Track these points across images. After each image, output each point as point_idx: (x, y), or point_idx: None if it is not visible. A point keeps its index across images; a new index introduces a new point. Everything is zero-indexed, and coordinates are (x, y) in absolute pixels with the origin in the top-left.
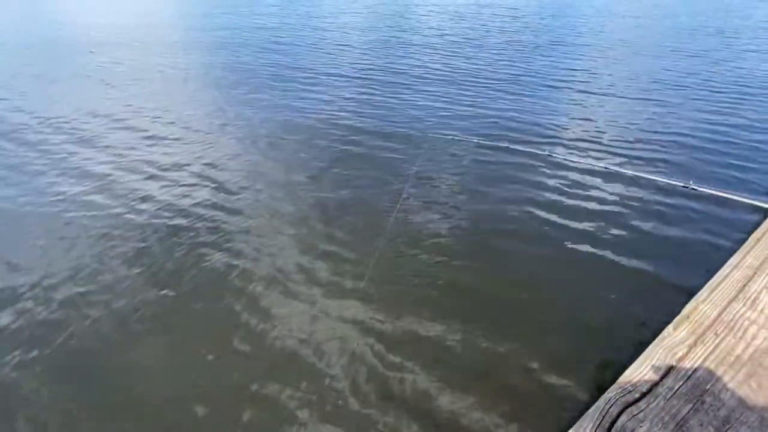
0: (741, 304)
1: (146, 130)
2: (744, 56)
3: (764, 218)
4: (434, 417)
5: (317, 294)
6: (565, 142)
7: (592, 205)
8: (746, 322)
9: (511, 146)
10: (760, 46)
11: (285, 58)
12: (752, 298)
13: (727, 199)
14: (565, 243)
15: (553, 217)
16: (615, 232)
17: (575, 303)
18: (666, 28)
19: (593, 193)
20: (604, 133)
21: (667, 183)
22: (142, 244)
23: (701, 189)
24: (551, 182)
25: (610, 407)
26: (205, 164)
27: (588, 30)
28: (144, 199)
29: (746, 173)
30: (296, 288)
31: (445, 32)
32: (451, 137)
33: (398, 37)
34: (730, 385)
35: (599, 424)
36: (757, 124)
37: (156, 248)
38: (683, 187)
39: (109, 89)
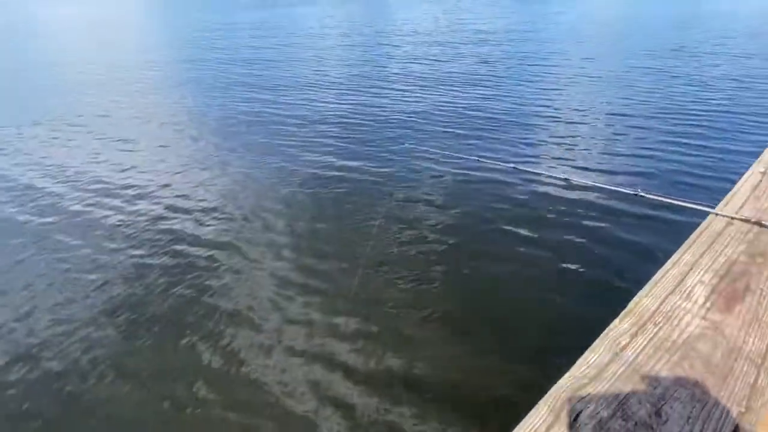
0: (678, 297)
1: (116, 164)
2: (692, 74)
3: (702, 220)
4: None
5: (292, 330)
6: (529, 155)
7: (552, 214)
8: (682, 312)
9: (480, 161)
10: (708, 62)
11: (257, 87)
12: (687, 291)
13: (672, 203)
14: (527, 250)
15: (517, 227)
16: (572, 238)
17: (536, 305)
18: (622, 47)
19: (553, 202)
20: (565, 146)
21: (619, 191)
22: (108, 279)
23: (649, 196)
24: (515, 193)
25: (562, 393)
26: (177, 195)
27: (551, 53)
28: (111, 233)
29: (689, 180)
30: (269, 325)
31: (418, 56)
32: (426, 156)
33: (371, 61)
34: (666, 367)
35: (552, 407)
36: (700, 139)
37: (120, 283)
38: (633, 194)
39: (80, 128)
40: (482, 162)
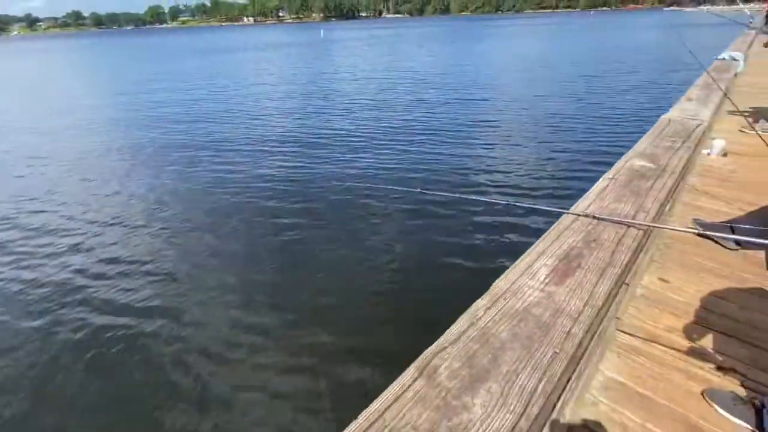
0: (526, 277)
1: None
2: (567, 106)
3: (558, 219)
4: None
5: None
6: (441, 179)
7: (435, 223)
8: (527, 288)
9: (423, 190)
10: (582, 94)
11: (198, 132)
12: (534, 272)
13: (538, 208)
14: (425, 253)
15: (426, 238)
16: (457, 241)
17: (428, 302)
18: (524, 81)
19: (435, 215)
20: (454, 170)
21: (484, 200)
22: (42, 327)
23: (519, 204)
24: (430, 213)
25: (428, 355)
26: (111, 244)
27: (481, 88)
28: (13, 299)
29: (553, 189)
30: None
31: (360, 97)
32: (368, 188)
33: (315, 104)
34: (507, 328)
35: (418, 366)
36: (564, 156)
37: (59, 334)
38: (506, 204)
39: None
40: (426, 191)
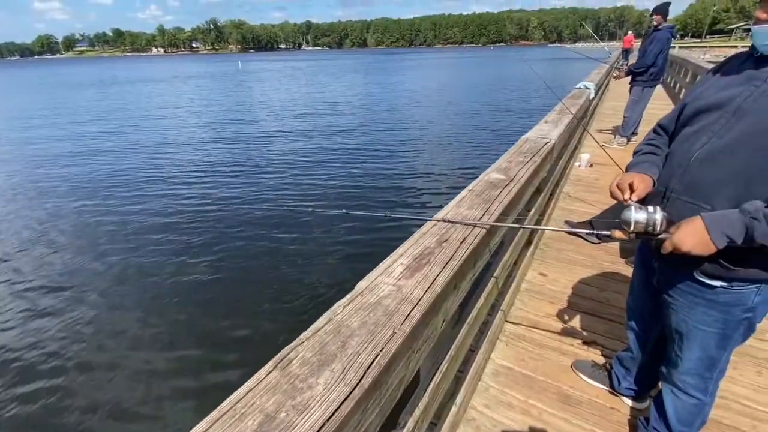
0: (383, 276)
1: None
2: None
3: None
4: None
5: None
6: (331, 198)
7: (315, 237)
8: (383, 284)
9: (349, 211)
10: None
11: (111, 167)
12: (391, 271)
13: (410, 218)
14: (312, 267)
15: (313, 252)
16: (348, 253)
17: (295, 305)
18: (430, 107)
19: (329, 232)
20: (337, 188)
21: (374, 215)
22: None
23: (395, 216)
24: (320, 229)
25: (285, 351)
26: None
27: (380, 116)
28: None
29: (424, 201)
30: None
31: (262, 128)
32: (263, 209)
33: (221, 136)
34: (359, 318)
35: (275, 361)
36: (434, 172)
37: None
38: (384, 216)
39: None
40: (352, 212)
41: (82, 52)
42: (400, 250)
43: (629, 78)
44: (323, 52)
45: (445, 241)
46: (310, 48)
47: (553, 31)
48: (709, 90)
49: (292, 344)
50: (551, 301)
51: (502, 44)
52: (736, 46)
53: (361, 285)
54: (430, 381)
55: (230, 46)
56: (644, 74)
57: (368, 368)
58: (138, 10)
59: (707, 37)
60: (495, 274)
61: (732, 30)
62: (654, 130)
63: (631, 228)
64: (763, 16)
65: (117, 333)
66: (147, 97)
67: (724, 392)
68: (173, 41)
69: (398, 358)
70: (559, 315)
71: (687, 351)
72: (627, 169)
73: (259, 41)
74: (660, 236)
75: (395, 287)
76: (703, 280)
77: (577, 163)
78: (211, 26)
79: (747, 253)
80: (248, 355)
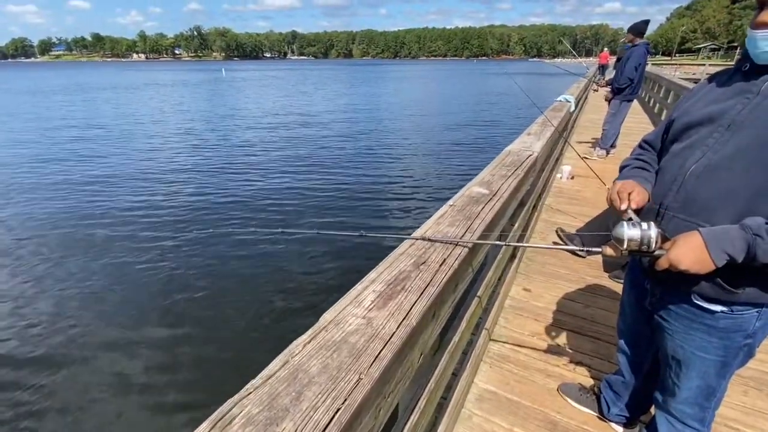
0: (352, 306)
1: None
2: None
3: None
4: None
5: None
6: (303, 218)
7: (298, 262)
8: (350, 317)
9: (321, 231)
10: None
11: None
12: (361, 300)
13: (387, 236)
14: (278, 294)
15: (281, 277)
16: (318, 278)
17: (254, 340)
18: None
19: (288, 252)
20: (307, 208)
21: (347, 234)
22: None
23: (370, 234)
24: (290, 252)
25: (227, 405)
26: None
27: (359, 129)
28: None
29: (400, 218)
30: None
31: (251, 142)
32: (229, 232)
33: (202, 146)
34: (319, 361)
35: (212, 420)
36: (409, 190)
37: None
38: (359, 235)
39: None
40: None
41: (58, 56)
42: (372, 274)
43: (608, 91)
44: (308, 62)
45: (423, 263)
46: (296, 57)
47: (533, 46)
48: (697, 104)
49: (237, 396)
50: (536, 318)
51: (484, 58)
52: (703, 64)
53: (326, 317)
54: (410, 416)
55: (214, 54)
56: (626, 89)
57: (325, 428)
58: (118, 16)
59: (677, 55)
60: (478, 294)
61: (699, 49)
62: (640, 146)
63: (624, 246)
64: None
65: (54, 366)
66: (119, 106)
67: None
68: (155, 47)
69: (365, 409)
70: (544, 333)
71: (685, 379)
72: (619, 179)
73: (244, 49)
74: (655, 253)
75: (365, 320)
76: (701, 304)
77: (558, 175)
78: (195, 33)
79: (747, 274)
80: (193, 403)
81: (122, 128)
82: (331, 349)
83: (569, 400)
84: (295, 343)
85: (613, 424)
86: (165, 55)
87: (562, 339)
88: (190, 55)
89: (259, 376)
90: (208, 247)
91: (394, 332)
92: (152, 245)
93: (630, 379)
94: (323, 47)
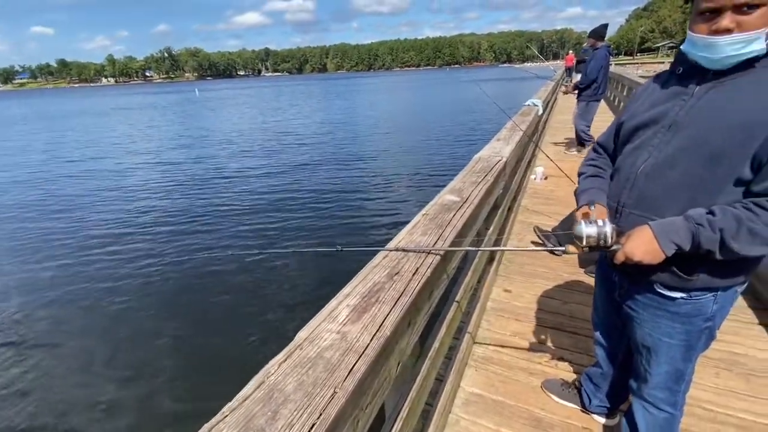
0: (327, 322)
1: None
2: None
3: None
4: None
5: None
6: (279, 236)
7: (265, 277)
8: (325, 332)
9: (298, 249)
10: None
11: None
12: (335, 315)
13: (364, 250)
14: (254, 315)
15: (257, 298)
16: (294, 296)
17: (233, 363)
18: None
19: (265, 270)
20: (284, 226)
21: (325, 250)
22: None
23: (347, 249)
24: (265, 272)
25: (203, 429)
26: None
27: (333, 145)
28: None
29: (375, 232)
30: None
31: (224, 164)
32: (206, 258)
33: (174, 170)
34: (294, 379)
35: None
36: (385, 202)
37: None
38: (335, 251)
39: None
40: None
41: (23, 84)
42: (346, 288)
43: (577, 93)
44: (283, 78)
45: (397, 273)
46: (270, 74)
47: (503, 52)
48: (642, 107)
49: (214, 419)
50: (517, 318)
51: (456, 66)
52: (663, 62)
53: (301, 335)
54: (393, 425)
55: (186, 75)
56: (588, 90)
57: None
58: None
59: (638, 54)
60: (457, 299)
61: (658, 48)
62: (594, 149)
63: (584, 242)
64: (702, 29)
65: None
66: (86, 132)
67: (687, 398)
68: (125, 71)
69: (341, 422)
70: (526, 332)
71: (655, 365)
72: (579, 195)
73: (217, 68)
74: (612, 248)
75: (339, 335)
76: (663, 292)
77: (532, 177)
78: (166, 54)
79: (699, 262)
80: (170, 428)
81: (87, 155)
82: (306, 366)
83: (552, 395)
84: (270, 363)
85: (594, 416)
86: (136, 78)
87: (543, 336)
88: (162, 76)
89: (236, 398)
90: (185, 271)
91: (368, 344)
92: (125, 271)
93: (608, 369)
94: (297, 63)
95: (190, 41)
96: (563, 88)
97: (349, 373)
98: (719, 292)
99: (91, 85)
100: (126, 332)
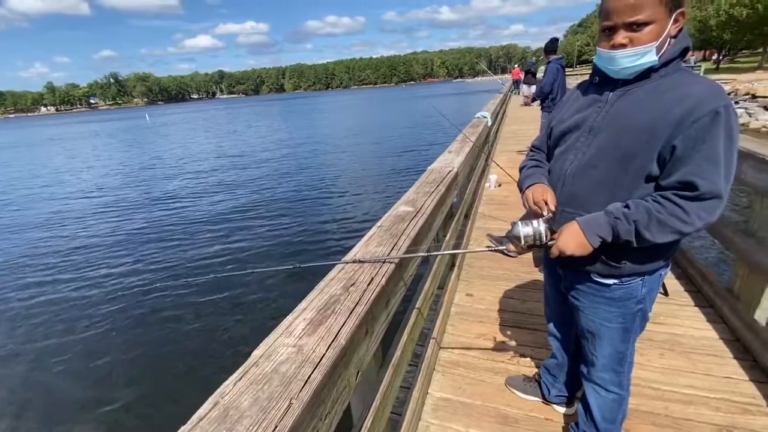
0: (283, 337)
1: None
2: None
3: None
4: None
5: None
6: (238, 257)
7: (223, 297)
8: (281, 347)
9: (255, 269)
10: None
11: None
12: (292, 330)
13: (322, 265)
14: (212, 340)
15: (217, 321)
16: (239, 319)
17: (190, 386)
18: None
19: (234, 292)
20: (236, 246)
21: (282, 268)
22: None
23: (304, 265)
24: (227, 294)
25: None
26: None
27: (300, 162)
28: None
29: (335, 246)
30: None
31: (174, 189)
32: (157, 286)
33: (120, 199)
34: (250, 395)
35: None
36: (341, 217)
37: None
38: (293, 267)
39: None
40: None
41: None
42: (303, 303)
43: (530, 103)
44: (240, 100)
45: (353, 284)
46: (225, 96)
47: (455, 68)
48: (567, 113)
49: None
50: (480, 320)
51: (412, 82)
52: None
53: (256, 353)
54: None
55: (135, 100)
56: (547, 101)
57: None
58: (19, 69)
59: (577, 66)
60: (417, 305)
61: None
62: (531, 149)
63: (522, 242)
64: (604, 45)
65: None
66: (17, 167)
67: (635, 379)
68: (67, 98)
69: (299, 431)
70: (489, 333)
71: (600, 348)
72: (523, 181)
73: (169, 93)
74: (548, 244)
75: (295, 348)
76: (599, 280)
77: (487, 185)
78: (112, 80)
79: (624, 251)
80: None
81: (19, 192)
82: (262, 382)
83: (516, 391)
84: (225, 382)
85: (555, 406)
86: (79, 106)
87: (505, 336)
88: (108, 103)
89: (190, 420)
90: (139, 302)
91: (324, 354)
92: (75, 303)
93: (562, 360)
94: (253, 84)
95: (138, 66)
96: (523, 101)
97: (305, 384)
98: (646, 276)
99: (29, 114)
100: (79, 362)
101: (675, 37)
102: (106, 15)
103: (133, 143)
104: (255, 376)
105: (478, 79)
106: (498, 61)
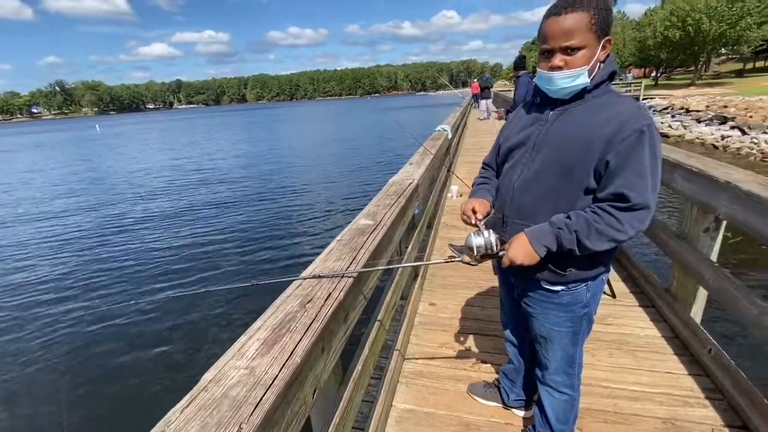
0: (235, 359)
1: None
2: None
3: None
4: None
5: None
6: (196, 276)
7: (171, 319)
8: (232, 370)
9: (210, 288)
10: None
11: None
12: (244, 351)
13: (279, 282)
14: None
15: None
16: (190, 342)
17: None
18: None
19: (187, 313)
20: (187, 262)
21: (238, 286)
22: None
23: (261, 282)
24: (181, 315)
25: None
26: None
27: (259, 176)
28: None
29: (291, 263)
30: None
31: (123, 208)
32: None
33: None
34: (197, 423)
35: None
36: (298, 234)
37: None
38: (250, 285)
39: None
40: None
41: None
42: (258, 322)
43: (503, 116)
44: (199, 110)
45: (310, 301)
46: (184, 106)
47: (418, 81)
48: (513, 131)
49: None
50: (443, 329)
51: (377, 95)
52: None
53: (206, 377)
54: None
55: (84, 110)
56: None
57: None
58: None
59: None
60: (379, 318)
61: None
62: (483, 167)
63: (475, 252)
64: (543, 66)
65: None
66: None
67: (587, 379)
68: (5, 107)
69: None
70: (451, 342)
71: (551, 352)
72: (470, 196)
73: (121, 102)
74: (498, 254)
75: (247, 370)
76: (548, 287)
77: (449, 195)
78: (57, 89)
79: (569, 259)
80: None
81: None
82: (211, 408)
83: (477, 398)
84: (171, 411)
85: (514, 410)
86: (19, 116)
87: (466, 343)
88: (54, 113)
89: None
90: (86, 325)
91: (277, 375)
92: (12, 335)
93: (519, 364)
94: (214, 94)
95: (86, 73)
96: (495, 115)
97: (255, 407)
98: (590, 282)
99: None
100: (18, 390)
101: (604, 62)
102: (51, 20)
103: (80, 156)
104: (204, 402)
105: (440, 92)
106: (459, 75)
